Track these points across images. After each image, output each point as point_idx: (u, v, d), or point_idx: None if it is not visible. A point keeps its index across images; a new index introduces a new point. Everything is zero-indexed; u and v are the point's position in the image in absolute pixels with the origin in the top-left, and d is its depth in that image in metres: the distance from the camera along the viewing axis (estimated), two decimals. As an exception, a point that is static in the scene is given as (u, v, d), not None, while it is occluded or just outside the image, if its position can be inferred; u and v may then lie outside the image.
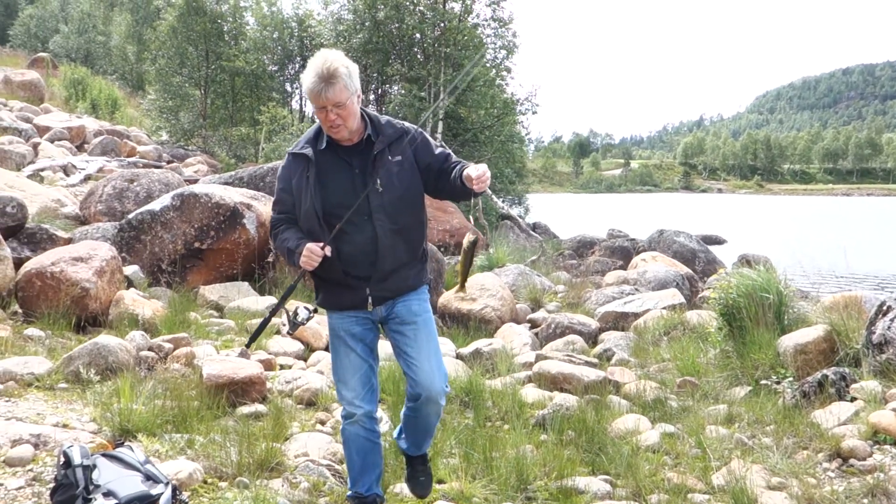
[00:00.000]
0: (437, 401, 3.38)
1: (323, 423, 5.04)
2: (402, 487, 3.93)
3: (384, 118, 3.40)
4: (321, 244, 3.20)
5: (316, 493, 3.85)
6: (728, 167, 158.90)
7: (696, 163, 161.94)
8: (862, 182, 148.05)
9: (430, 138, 3.44)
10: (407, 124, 3.43)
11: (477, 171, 3.11)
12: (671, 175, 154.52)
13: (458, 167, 3.26)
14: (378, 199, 3.23)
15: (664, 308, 8.38)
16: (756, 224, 37.89)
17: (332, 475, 4.13)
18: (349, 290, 3.33)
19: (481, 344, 7.32)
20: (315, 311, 3.43)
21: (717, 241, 25.50)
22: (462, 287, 3.90)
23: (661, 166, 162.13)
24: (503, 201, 22.49)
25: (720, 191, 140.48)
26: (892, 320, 5.28)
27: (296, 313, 3.40)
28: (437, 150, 3.40)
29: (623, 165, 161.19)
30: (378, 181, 3.21)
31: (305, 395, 5.42)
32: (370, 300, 3.34)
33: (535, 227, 21.62)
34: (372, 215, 3.23)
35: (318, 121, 3.35)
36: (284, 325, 3.36)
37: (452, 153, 3.44)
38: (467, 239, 3.64)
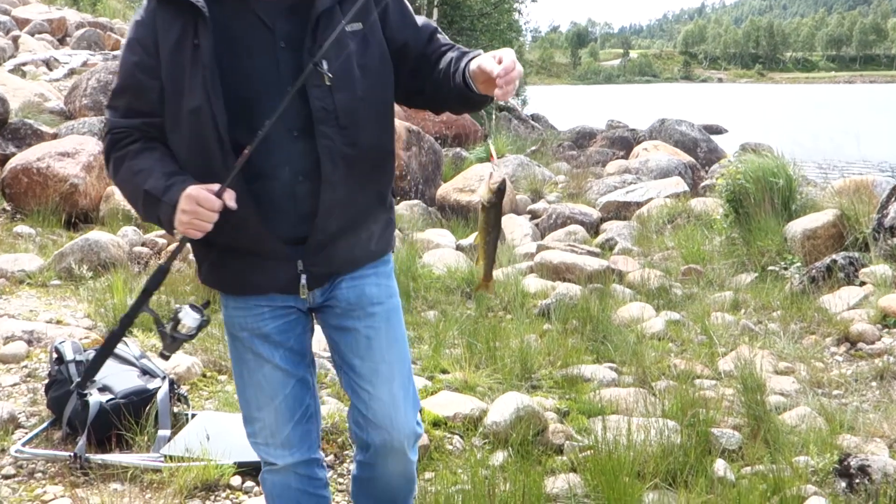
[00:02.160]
0: (402, 452, 2.04)
1: (323, 315, 4.95)
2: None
3: None
4: (217, 187, 1.76)
5: (318, 385, 3.78)
6: (729, 56, 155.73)
7: (697, 52, 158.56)
8: (865, 69, 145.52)
9: (406, 1, 2.03)
10: None
11: (503, 63, 1.73)
12: (671, 65, 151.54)
13: (455, 56, 1.91)
14: (324, 99, 1.82)
15: (667, 196, 8.22)
16: (757, 113, 37.29)
17: (333, 367, 4.06)
18: (265, 263, 1.91)
19: (481, 235, 7.18)
20: (204, 315, 1.92)
21: (718, 131, 25.07)
22: (488, 277, 2.15)
23: (661, 56, 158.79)
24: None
25: (720, 80, 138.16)
26: (904, 203, 5.12)
27: (176, 321, 1.89)
28: (420, 22, 2.02)
29: (622, 56, 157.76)
30: (325, 65, 1.80)
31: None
32: (303, 280, 1.91)
33: (533, 118, 21.18)
34: (314, 128, 1.81)
35: None
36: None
37: (443, 33, 2.05)
38: (487, 189, 2.00)
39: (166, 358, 1.95)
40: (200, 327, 1.90)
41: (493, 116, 16.50)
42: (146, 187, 1.80)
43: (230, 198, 1.76)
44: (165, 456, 3.03)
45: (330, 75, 1.80)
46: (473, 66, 1.81)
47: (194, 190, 1.75)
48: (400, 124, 9.27)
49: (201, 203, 1.73)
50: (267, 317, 1.97)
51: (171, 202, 1.76)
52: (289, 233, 1.87)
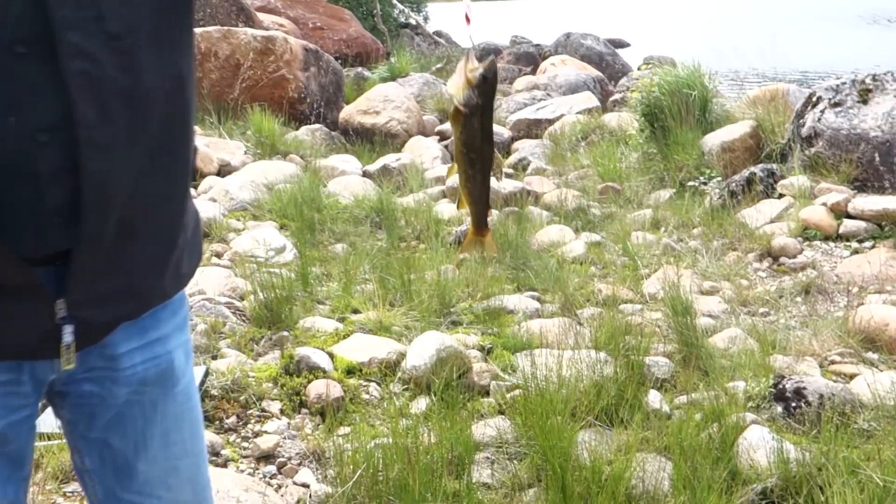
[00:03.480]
0: None
1: (219, 255, 4.52)
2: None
3: None
4: None
5: (216, 336, 3.39)
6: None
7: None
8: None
9: None
10: None
11: None
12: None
13: None
14: None
15: (579, 113, 7.98)
16: (659, 26, 37.46)
17: (233, 313, 3.67)
18: None
19: (389, 160, 6.79)
20: None
21: (622, 45, 25.00)
22: (481, 227, 1.41)
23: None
24: (400, 10, 21.10)
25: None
26: (822, 112, 5.01)
27: None
28: None
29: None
30: None
31: (197, 226, 4.83)
32: (67, 334, 1.07)
33: (436, 35, 20.52)
34: (54, 38, 0.97)
35: None
36: None
37: None
38: (463, 81, 1.24)
39: None
40: None
41: (396, 35, 15.85)
42: None
43: None
44: None
45: None
46: None
47: None
48: (297, 43, 8.64)
49: None
50: None
51: None
52: (33, 244, 1.02)
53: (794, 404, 2.98)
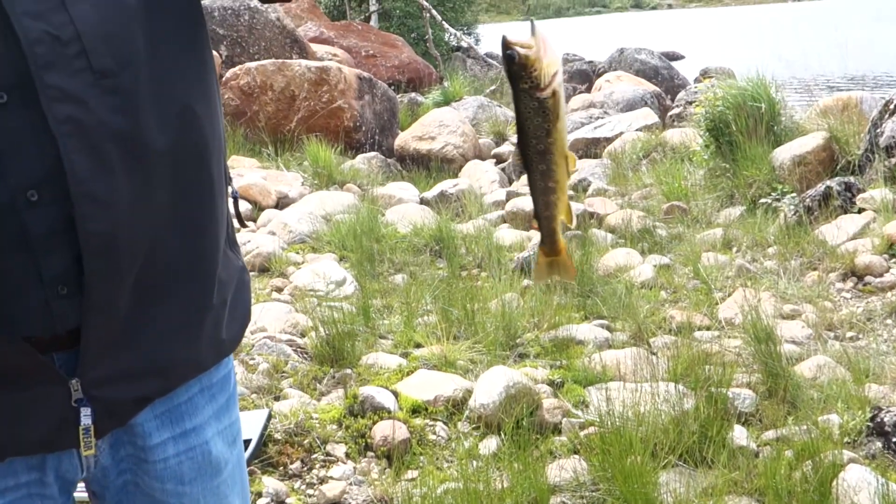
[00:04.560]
0: None
1: (280, 290, 4.47)
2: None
3: None
4: None
5: (278, 376, 3.33)
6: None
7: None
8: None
9: None
10: None
11: None
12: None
13: None
14: (46, 16, 0.85)
15: (638, 129, 7.78)
16: (711, 37, 36.87)
17: (295, 351, 3.60)
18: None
19: (446, 185, 6.71)
20: None
21: (676, 57, 24.62)
22: (551, 246, 1.10)
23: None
24: (452, 34, 21.15)
25: (670, 6, 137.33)
26: (901, 120, 4.74)
27: None
28: None
29: None
30: None
31: (257, 261, 4.81)
32: (86, 417, 0.94)
33: (488, 57, 20.50)
34: (35, 86, 0.84)
35: None
36: None
37: None
38: (541, 67, 0.97)
39: None
40: None
41: (448, 58, 15.87)
42: None
43: None
44: None
45: None
46: None
47: None
48: (350, 72, 8.66)
49: None
50: None
51: None
52: (37, 322, 0.89)
53: (894, 439, 2.76)
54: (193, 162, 0.97)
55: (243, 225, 1.21)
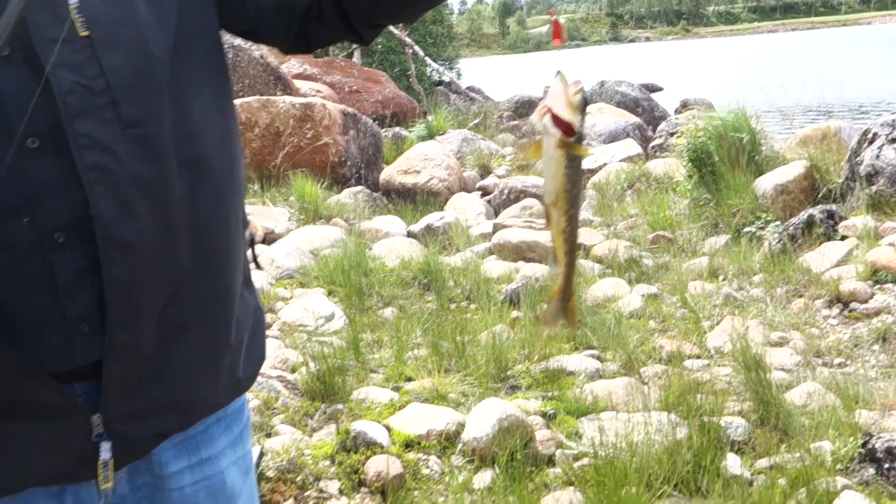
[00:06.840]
0: None
1: (269, 326, 4.45)
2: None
3: None
4: None
5: (269, 413, 3.30)
6: (654, 14, 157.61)
7: (623, 13, 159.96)
8: (786, 17, 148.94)
9: None
10: None
11: None
12: (598, 27, 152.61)
13: None
14: (79, 68, 0.89)
15: (622, 160, 7.87)
16: (688, 69, 37.45)
17: (285, 387, 3.58)
18: (20, 426, 0.92)
19: (432, 219, 6.73)
20: None
21: (655, 89, 24.96)
22: (566, 291, 1.12)
23: (588, 19, 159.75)
24: (434, 69, 21.39)
25: (648, 39, 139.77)
26: (879, 148, 4.84)
27: None
28: None
29: (549, 22, 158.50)
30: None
31: (245, 297, 4.79)
32: (105, 450, 0.96)
33: (471, 91, 20.71)
34: (66, 133, 0.88)
35: None
36: None
37: None
38: (565, 103, 1.01)
39: None
40: None
41: (431, 92, 16.01)
42: None
43: None
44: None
45: (82, 26, 0.89)
46: None
47: None
48: (334, 107, 8.72)
49: None
50: None
51: None
52: (59, 358, 0.91)
53: (886, 465, 2.77)
54: (213, 207, 1.01)
55: (259, 267, 1.24)
